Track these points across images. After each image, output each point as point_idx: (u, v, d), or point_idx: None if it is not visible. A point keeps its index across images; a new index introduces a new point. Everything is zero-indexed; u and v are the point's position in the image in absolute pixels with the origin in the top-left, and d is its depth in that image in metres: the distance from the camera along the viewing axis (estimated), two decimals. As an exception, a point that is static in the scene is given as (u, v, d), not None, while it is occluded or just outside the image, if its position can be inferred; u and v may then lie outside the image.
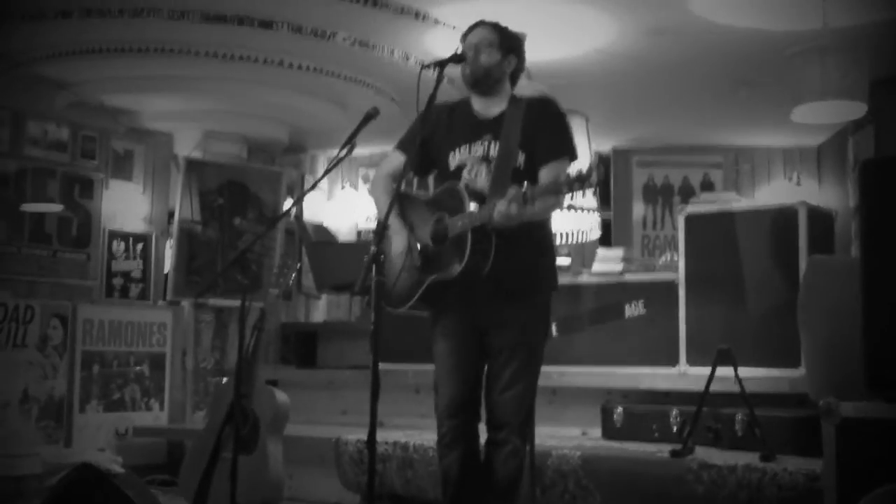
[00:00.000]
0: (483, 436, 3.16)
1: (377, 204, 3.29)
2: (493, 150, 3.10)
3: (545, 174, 3.04)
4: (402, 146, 3.27)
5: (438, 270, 3.00)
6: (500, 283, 2.99)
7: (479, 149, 3.13)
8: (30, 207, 5.62)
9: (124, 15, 5.04)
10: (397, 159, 3.26)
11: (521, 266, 3.04)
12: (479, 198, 3.00)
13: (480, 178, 3.10)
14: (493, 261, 2.93)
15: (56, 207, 5.76)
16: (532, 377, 3.11)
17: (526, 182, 2.87)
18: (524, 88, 3.33)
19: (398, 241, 3.10)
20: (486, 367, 3.15)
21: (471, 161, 3.13)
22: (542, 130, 3.10)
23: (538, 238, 3.13)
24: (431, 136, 3.19)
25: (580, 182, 2.75)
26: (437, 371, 3.16)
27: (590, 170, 2.75)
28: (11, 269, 5.50)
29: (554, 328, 4.76)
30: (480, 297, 3.03)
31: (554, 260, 3.27)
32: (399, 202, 3.12)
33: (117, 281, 6.09)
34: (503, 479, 3.05)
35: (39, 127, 5.70)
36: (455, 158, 3.17)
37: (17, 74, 5.57)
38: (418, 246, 3.08)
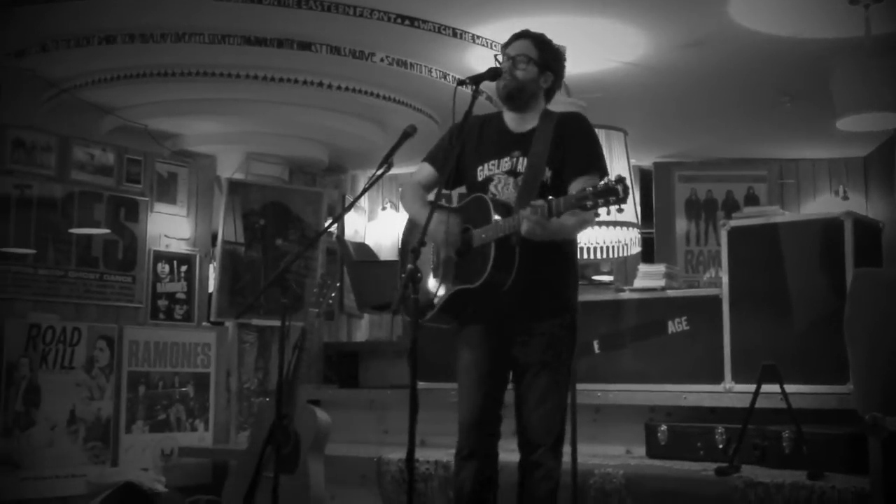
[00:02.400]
0: (504, 453, 3.12)
1: (408, 211, 3.30)
2: (521, 165, 3.08)
3: (573, 189, 2.98)
4: (431, 159, 3.27)
5: (461, 282, 2.97)
6: (524, 298, 2.96)
7: (507, 163, 3.11)
8: (77, 231, 5.71)
9: (167, 39, 5.12)
10: (426, 170, 3.27)
11: (545, 282, 3.01)
12: (506, 210, 2.97)
13: (507, 190, 3.08)
14: (516, 275, 2.89)
15: (103, 231, 5.84)
16: (562, 395, 3.06)
17: (552, 195, 2.83)
18: (560, 104, 3.31)
19: (425, 251, 3.08)
20: (510, 385, 3.12)
21: (498, 174, 3.11)
22: (570, 146, 3.06)
23: (563, 255, 3.09)
24: (462, 149, 3.18)
25: (607, 194, 2.65)
26: (460, 383, 3.13)
27: (618, 180, 2.64)
28: (59, 292, 5.59)
29: (596, 345, 4.72)
30: (503, 311, 3.00)
31: (577, 278, 3.22)
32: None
33: (162, 303, 6.15)
34: (538, 503, 3.01)
35: (85, 152, 5.80)
36: (483, 172, 3.15)
37: (63, 100, 5.68)
38: (443, 256, 3.04)
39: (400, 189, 3.87)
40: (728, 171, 7.89)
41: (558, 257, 3.05)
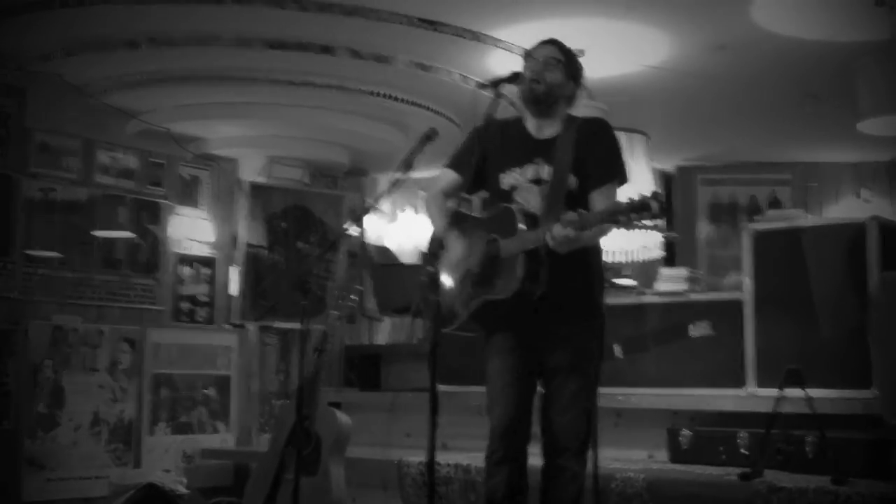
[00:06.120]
0: (531, 457, 3.11)
1: (432, 222, 3.28)
2: (545, 174, 3.07)
3: (596, 199, 3.00)
4: (454, 165, 3.26)
5: (489, 292, 2.98)
6: (553, 306, 2.95)
7: (530, 171, 3.10)
8: (101, 234, 5.76)
9: (189, 44, 5.15)
10: (449, 176, 3.25)
11: (574, 289, 3.00)
12: (532, 221, 2.97)
13: (533, 200, 3.07)
14: (545, 284, 2.90)
15: (126, 234, 5.88)
16: (589, 400, 3.05)
17: (580, 208, 2.84)
18: (582, 107, 3.30)
19: (451, 260, 3.09)
20: (538, 390, 3.11)
21: (523, 183, 3.10)
22: (593, 153, 3.06)
23: (590, 261, 3.08)
24: (484, 154, 3.17)
25: (639, 210, 2.64)
26: (490, 390, 3.12)
27: (653, 196, 2.62)
28: (83, 294, 5.64)
29: (618, 349, 4.69)
30: (532, 319, 3.00)
31: (603, 282, 3.21)
32: (454, 221, 3.12)
33: (184, 305, 6.19)
34: None
35: (109, 155, 5.85)
36: (506, 179, 3.14)
37: (87, 104, 5.73)
38: (469, 266, 3.05)
39: (422, 193, 3.86)
40: (751, 174, 7.83)
41: (585, 264, 3.04)
